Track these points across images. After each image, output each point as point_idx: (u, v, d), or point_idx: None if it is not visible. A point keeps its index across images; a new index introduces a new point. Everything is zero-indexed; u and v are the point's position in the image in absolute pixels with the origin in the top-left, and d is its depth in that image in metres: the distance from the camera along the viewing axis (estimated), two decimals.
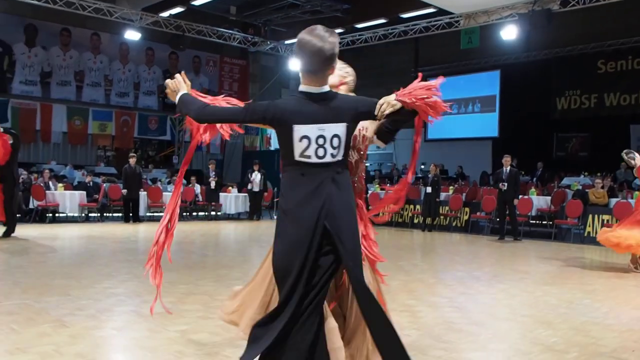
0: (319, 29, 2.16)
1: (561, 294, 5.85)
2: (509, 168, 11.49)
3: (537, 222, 13.44)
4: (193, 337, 3.83)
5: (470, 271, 7.25)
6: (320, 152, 2.16)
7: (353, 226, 2.17)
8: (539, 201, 13.10)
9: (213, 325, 4.16)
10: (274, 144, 23.24)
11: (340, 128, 2.16)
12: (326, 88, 2.19)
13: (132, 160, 13.50)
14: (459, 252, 9.65)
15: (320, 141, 2.14)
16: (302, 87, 2.22)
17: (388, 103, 2.16)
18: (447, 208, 13.73)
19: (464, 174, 19.74)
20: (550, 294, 5.87)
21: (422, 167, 20.60)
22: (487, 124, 20.53)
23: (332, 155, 2.17)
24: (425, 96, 2.18)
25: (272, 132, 23.34)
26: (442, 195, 14.05)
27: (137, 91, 20.20)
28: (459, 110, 21.56)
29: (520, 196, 11.99)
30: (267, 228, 13.27)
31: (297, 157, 2.18)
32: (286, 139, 2.19)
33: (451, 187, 15.22)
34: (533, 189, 13.70)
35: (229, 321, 2.81)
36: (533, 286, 6.30)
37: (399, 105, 2.17)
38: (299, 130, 2.14)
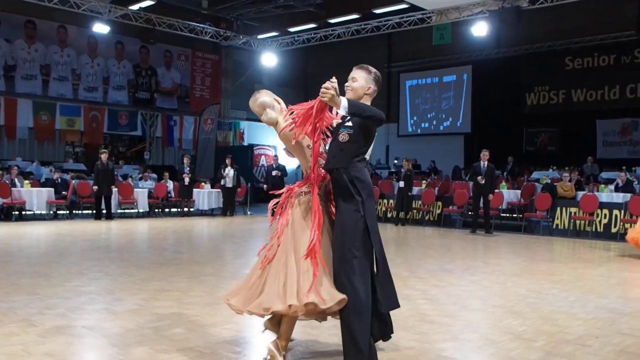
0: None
1: (530, 285, 5.98)
2: (486, 162, 11.64)
3: (508, 215, 13.69)
4: (167, 334, 3.81)
5: (443, 264, 7.35)
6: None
7: None
8: (510, 195, 13.34)
9: (187, 321, 4.14)
10: (248, 139, 23.14)
11: None
12: None
13: (104, 156, 13.28)
14: (432, 246, 9.76)
15: None
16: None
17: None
18: (419, 202, 13.87)
19: (436, 168, 19.97)
20: (520, 284, 6.00)
21: (395, 162, 20.78)
22: (459, 120, 20.80)
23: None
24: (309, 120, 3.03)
25: (245, 128, 23.23)
26: (415, 190, 14.17)
27: (107, 86, 19.83)
28: (431, 106, 21.80)
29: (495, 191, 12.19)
30: (240, 224, 13.22)
31: (366, 155, 3.14)
32: (371, 141, 3.14)
33: (424, 182, 15.38)
34: (504, 183, 13.95)
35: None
36: (504, 278, 6.42)
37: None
38: None
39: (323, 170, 3.18)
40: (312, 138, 3.08)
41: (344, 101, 2.88)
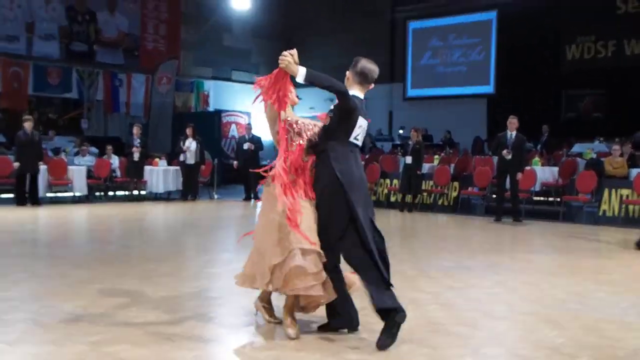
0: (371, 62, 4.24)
1: (570, 286, 6.02)
2: (514, 133, 11.64)
3: (542, 199, 13.79)
4: (110, 350, 3.78)
5: (460, 260, 7.38)
6: (360, 138, 4.13)
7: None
8: (544, 173, 13.42)
9: (136, 333, 4.11)
10: (215, 104, 23.02)
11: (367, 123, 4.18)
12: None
13: (28, 125, 13.12)
14: (446, 237, 9.80)
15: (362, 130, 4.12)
16: (355, 93, 4.15)
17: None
18: (431, 183, 13.91)
19: (452, 140, 20.03)
20: (558, 286, 6.04)
21: (401, 132, 20.78)
22: (480, 79, 20.80)
23: (359, 141, 4.16)
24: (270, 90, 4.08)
25: (211, 89, 23.10)
26: (425, 167, 14.21)
27: (31, 34, 19.50)
28: (447, 61, 21.75)
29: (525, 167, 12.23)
30: (204, 210, 13.20)
31: (351, 139, 4.08)
32: (348, 124, 4.04)
33: (436, 157, 15.41)
34: (537, 158, 14.01)
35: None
36: (536, 277, 6.47)
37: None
38: (359, 121, 4.07)
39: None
40: (277, 108, 4.04)
41: (301, 69, 3.77)
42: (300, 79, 3.81)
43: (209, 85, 23.16)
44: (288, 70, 3.86)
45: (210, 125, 20.50)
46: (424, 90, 22.20)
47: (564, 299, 5.46)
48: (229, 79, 23.84)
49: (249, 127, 16.27)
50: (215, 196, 16.09)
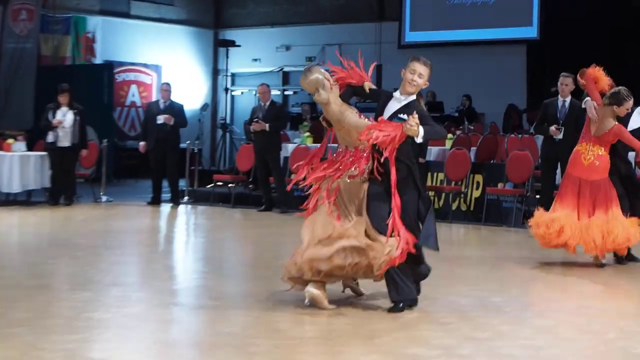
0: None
1: None
2: (569, 99, 11.64)
3: None
4: None
5: (485, 296, 7.44)
6: None
7: None
8: None
9: None
10: (104, 53, 22.72)
11: None
12: None
13: None
14: (464, 260, 9.87)
15: None
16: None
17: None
18: (441, 176, 13.95)
19: (473, 110, 20.07)
20: (633, 336, 6.06)
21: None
22: (519, 16, 20.86)
23: None
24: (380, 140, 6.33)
25: (98, 29, 22.79)
26: (433, 152, 14.20)
27: None
28: None
29: None
30: (86, 220, 13.15)
31: None
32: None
33: (449, 137, 15.43)
34: None
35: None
36: (604, 323, 6.51)
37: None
38: None
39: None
40: (390, 158, 6.39)
41: (421, 131, 6.28)
42: (420, 139, 6.45)
43: (95, 24, 22.89)
44: (410, 133, 6.30)
45: (96, 87, 20.28)
46: (429, 33, 22.16)
47: None
48: (126, 15, 23.64)
49: (166, 89, 15.94)
50: (104, 198, 16.01)
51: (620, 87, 9.46)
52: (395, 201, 6.44)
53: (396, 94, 6.73)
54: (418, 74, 6.61)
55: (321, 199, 6.70)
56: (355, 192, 6.70)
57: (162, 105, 15.52)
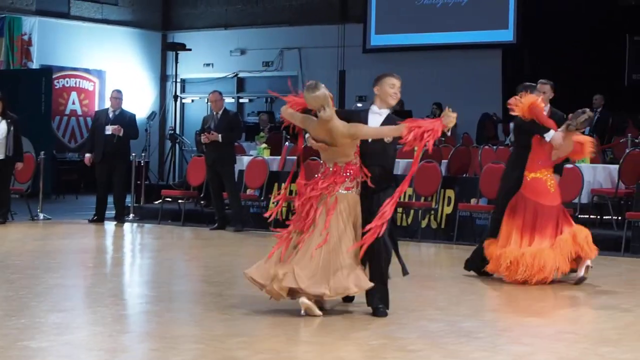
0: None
1: None
2: (548, 108, 11.64)
3: (592, 217, 13.99)
4: None
5: (456, 321, 7.47)
6: None
7: None
8: (596, 174, 13.71)
9: None
10: (41, 56, 22.58)
11: None
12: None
13: None
14: (433, 281, 9.97)
15: None
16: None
17: (398, 131, 7.54)
18: (409, 191, 13.97)
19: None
20: None
21: (359, 105, 20.83)
22: (494, 19, 20.95)
23: None
24: (424, 139, 7.42)
25: (35, 30, 22.62)
26: (400, 165, 14.26)
27: None
28: None
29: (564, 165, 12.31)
30: (21, 240, 13.01)
31: None
32: None
33: (417, 148, 15.49)
34: None
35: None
36: (582, 347, 6.58)
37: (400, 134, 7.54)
38: None
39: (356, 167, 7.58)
40: (419, 148, 7.78)
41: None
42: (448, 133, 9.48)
43: (31, 25, 22.76)
44: (450, 124, 7.63)
45: (33, 94, 20.13)
46: (397, 36, 22.21)
47: None
48: (65, 15, 23.53)
49: (116, 97, 15.82)
50: (41, 215, 15.92)
51: (577, 110, 9.99)
52: (383, 215, 7.30)
53: (374, 108, 7.75)
54: (397, 88, 7.70)
55: (321, 216, 7.40)
56: (353, 204, 7.50)
57: (111, 115, 15.46)
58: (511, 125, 13.34)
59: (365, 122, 7.61)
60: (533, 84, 10.49)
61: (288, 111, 7.78)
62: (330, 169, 7.50)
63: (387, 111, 7.80)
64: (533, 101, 9.82)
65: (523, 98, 9.85)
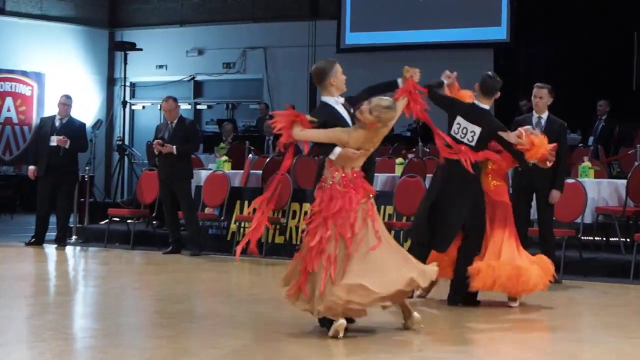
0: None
1: None
2: (546, 115, 11.78)
3: (597, 239, 14.07)
4: None
5: (444, 358, 7.47)
6: None
7: None
8: (602, 190, 13.70)
9: None
10: None
11: None
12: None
13: None
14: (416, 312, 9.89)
15: None
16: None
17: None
18: (390, 209, 14.08)
19: (426, 127, 20.12)
20: None
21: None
22: (484, 15, 21.03)
23: None
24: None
25: None
26: (379, 180, 14.23)
27: None
28: None
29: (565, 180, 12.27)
30: None
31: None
32: None
33: (399, 161, 15.45)
34: (587, 163, 14.13)
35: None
36: None
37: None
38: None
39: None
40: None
41: None
42: None
43: None
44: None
45: None
46: (374, 34, 22.29)
47: None
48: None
49: (65, 102, 15.70)
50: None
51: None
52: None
53: (334, 99, 8.51)
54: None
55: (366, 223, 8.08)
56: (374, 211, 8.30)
57: (58, 123, 15.35)
58: None
59: (340, 115, 8.37)
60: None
61: (304, 133, 8.19)
62: (349, 176, 8.12)
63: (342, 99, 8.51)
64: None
65: None
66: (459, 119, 10.77)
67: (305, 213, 14.70)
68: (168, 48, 24.80)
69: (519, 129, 10.62)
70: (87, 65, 24.89)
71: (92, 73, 25.11)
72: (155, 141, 14.51)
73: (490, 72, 11.84)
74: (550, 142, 11.54)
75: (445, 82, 11.46)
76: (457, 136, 10.35)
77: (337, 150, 8.02)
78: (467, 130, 10.52)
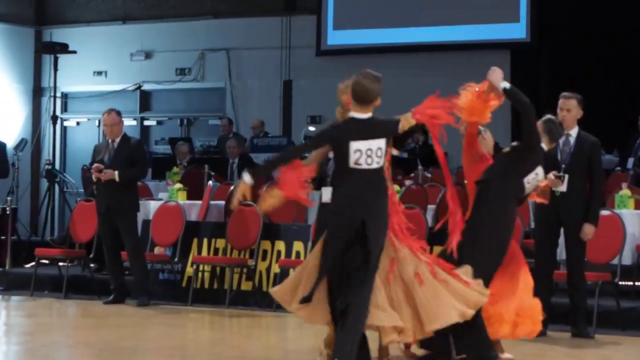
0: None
1: None
2: (575, 132, 11.75)
3: (636, 284, 14.05)
4: None
5: None
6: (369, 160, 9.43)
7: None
8: None
9: None
10: None
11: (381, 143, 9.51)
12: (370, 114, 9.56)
13: None
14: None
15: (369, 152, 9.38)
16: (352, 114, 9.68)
17: (407, 121, 9.57)
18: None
19: (431, 147, 20.14)
20: None
21: (312, 129, 20.86)
22: (496, 9, 21.17)
23: (377, 163, 9.44)
24: (438, 117, 9.69)
25: None
26: None
27: None
28: None
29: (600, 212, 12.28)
30: None
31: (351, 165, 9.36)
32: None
33: (396, 188, 15.51)
34: (626, 190, 14.19)
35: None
36: None
37: (414, 122, 9.63)
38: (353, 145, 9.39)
39: None
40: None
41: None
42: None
43: None
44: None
45: None
46: (363, 32, 22.39)
47: None
48: None
49: None
50: None
51: None
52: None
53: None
54: None
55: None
56: None
57: None
58: None
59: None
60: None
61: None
62: None
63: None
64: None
65: None
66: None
67: (279, 253, 14.83)
68: (108, 50, 24.82)
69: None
70: (7, 71, 24.92)
71: (14, 81, 25.13)
72: (94, 165, 14.35)
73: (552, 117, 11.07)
74: (580, 164, 11.60)
75: None
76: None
77: None
78: None
